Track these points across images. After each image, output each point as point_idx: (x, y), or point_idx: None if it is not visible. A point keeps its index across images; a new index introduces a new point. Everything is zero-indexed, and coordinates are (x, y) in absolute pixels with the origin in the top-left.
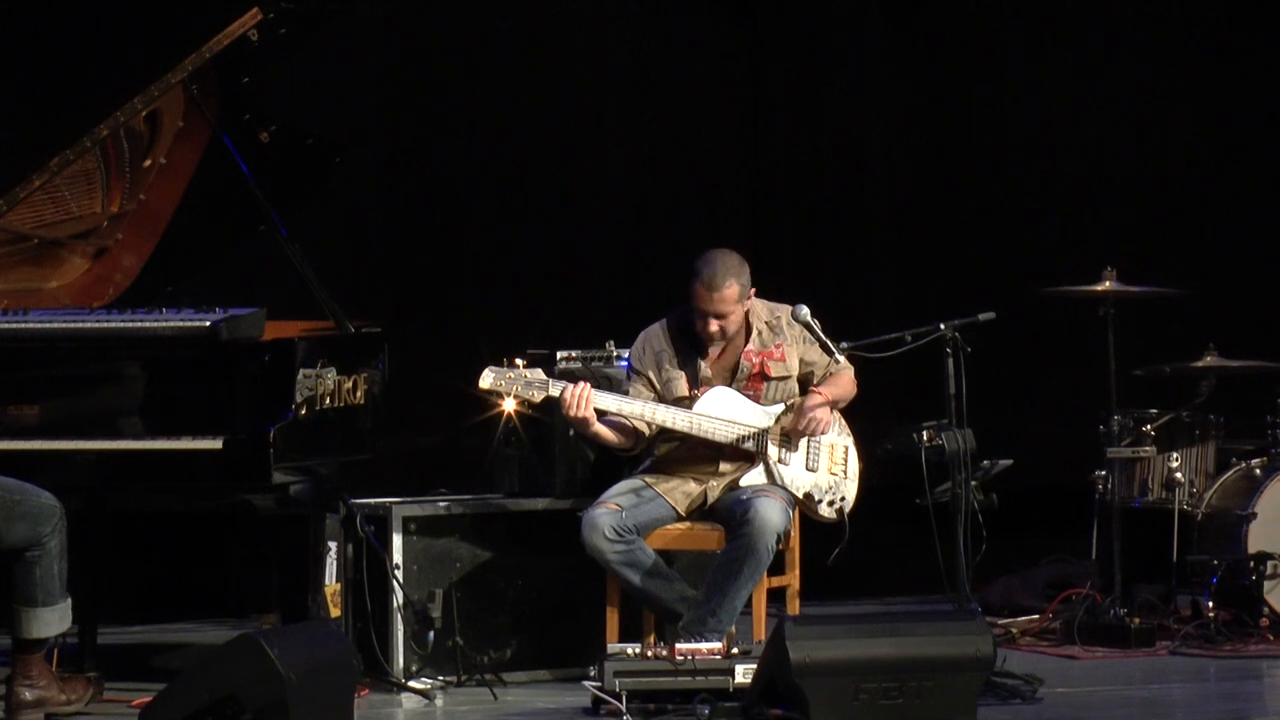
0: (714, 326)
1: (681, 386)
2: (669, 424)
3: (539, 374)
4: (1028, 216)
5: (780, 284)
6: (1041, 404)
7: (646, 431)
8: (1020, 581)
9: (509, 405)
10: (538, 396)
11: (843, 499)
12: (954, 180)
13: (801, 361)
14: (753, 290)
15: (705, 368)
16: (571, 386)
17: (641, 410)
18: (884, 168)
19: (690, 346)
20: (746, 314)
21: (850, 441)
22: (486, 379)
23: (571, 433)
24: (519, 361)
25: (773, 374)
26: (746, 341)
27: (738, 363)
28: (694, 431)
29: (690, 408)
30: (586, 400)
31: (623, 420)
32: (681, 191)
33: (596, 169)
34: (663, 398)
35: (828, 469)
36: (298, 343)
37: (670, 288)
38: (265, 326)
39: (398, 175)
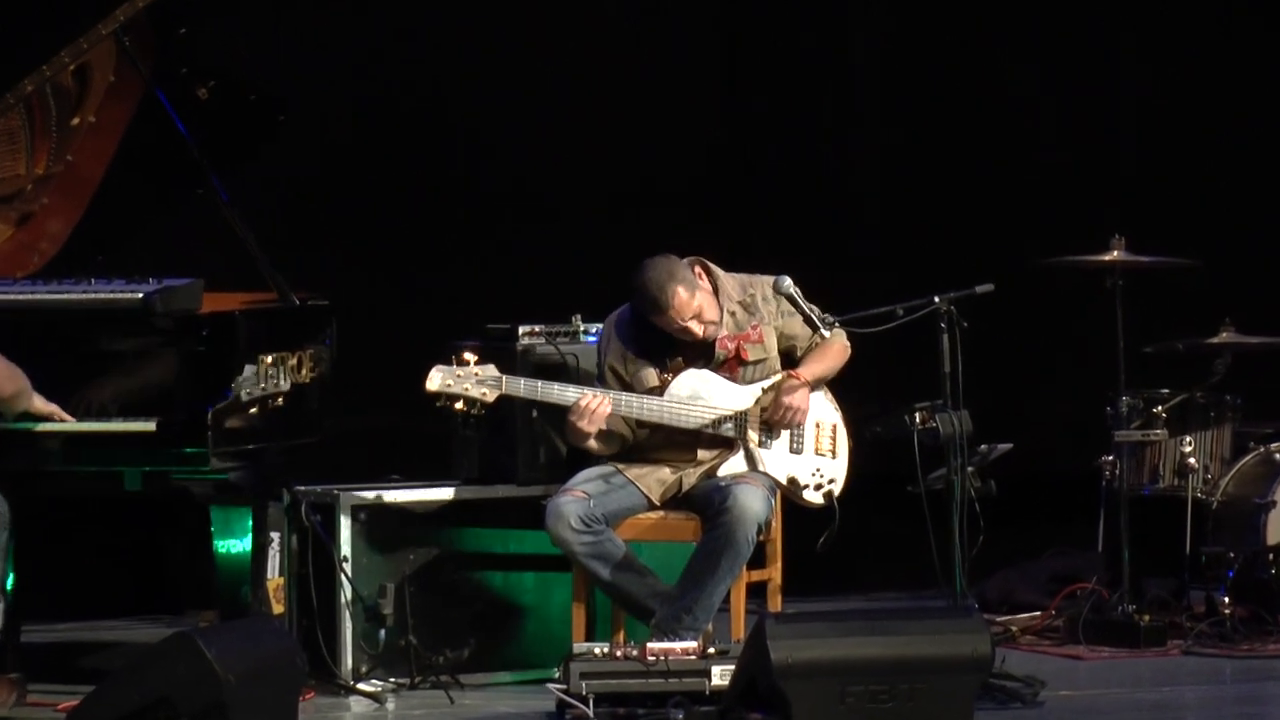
0: (698, 330)
1: (651, 377)
2: (641, 416)
3: (491, 370)
4: (1028, 180)
5: (761, 254)
6: (1044, 383)
7: (631, 436)
8: (1020, 576)
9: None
10: (490, 396)
11: (831, 482)
12: (948, 142)
13: (782, 336)
14: (699, 270)
15: (675, 357)
16: (590, 394)
17: (626, 405)
18: (872, 129)
19: (655, 337)
20: (716, 296)
21: (839, 418)
22: (434, 379)
23: (534, 413)
24: (468, 356)
25: (750, 357)
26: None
27: (712, 350)
28: (666, 421)
29: (661, 395)
30: (604, 414)
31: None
32: (653, 156)
33: (563, 135)
34: (631, 390)
35: (814, 450)
36: (238, 316)
37: (637, 257)
38: (203, 298)
39: (349, 137)
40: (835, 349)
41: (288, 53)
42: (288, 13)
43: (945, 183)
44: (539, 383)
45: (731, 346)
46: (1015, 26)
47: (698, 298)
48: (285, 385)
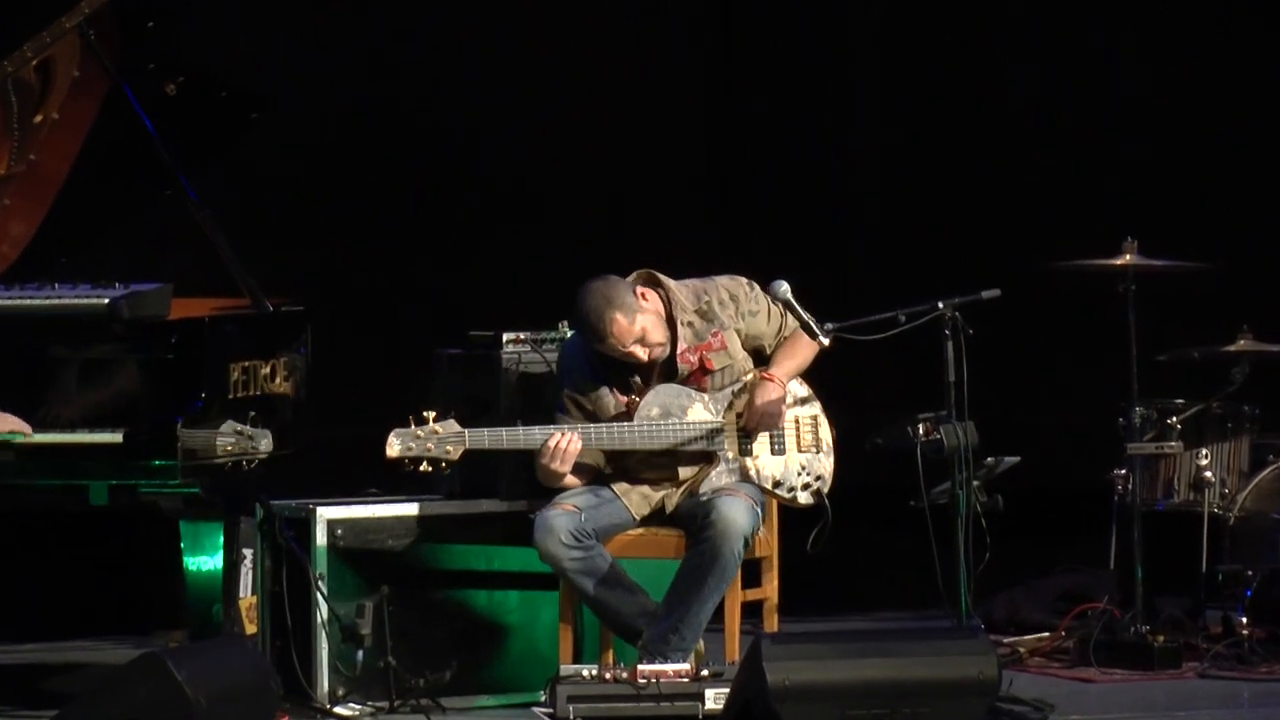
0: (644, 354)
1: (610, 404)
2: (614, 446)
3: (452, 426)
4: (1037, 181)
5: (754, 259)
6: (1053, 393)
7: (604, 464)
8: (1028, 594)
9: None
10: (455, 453)
11: (819, 478)
12: (952, 141)
13: (746, 337)
14: (643, 291)
15: (634, 378)
16: (558, 434)
17: (598, 438)
18: (873, 128)
19: (612, 362)
20: (670, 311)
21: (818, 409)
22: (393, 446)
23: (519, 424)
24: (427, 414)
25: (715, 366)
26: (675, 341)
27: (674, 367)
28: (641, 446)
29: (631, 420)
30: (575, 451)
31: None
32: (641, 156)
33: (552, 134)
34: (596, 419)
35: (796, 447)
36: (208, 323)
37: (631, 261)
38: (172, 304)
39: (328, 136)
40: (803, 341)
41: (265, 51)
42: (270, 11)
43: (949, 184)
44: (504, 431)
45: (694, 359)
46: (1021, 23)
47: (638, 321)
48: (258, 395)
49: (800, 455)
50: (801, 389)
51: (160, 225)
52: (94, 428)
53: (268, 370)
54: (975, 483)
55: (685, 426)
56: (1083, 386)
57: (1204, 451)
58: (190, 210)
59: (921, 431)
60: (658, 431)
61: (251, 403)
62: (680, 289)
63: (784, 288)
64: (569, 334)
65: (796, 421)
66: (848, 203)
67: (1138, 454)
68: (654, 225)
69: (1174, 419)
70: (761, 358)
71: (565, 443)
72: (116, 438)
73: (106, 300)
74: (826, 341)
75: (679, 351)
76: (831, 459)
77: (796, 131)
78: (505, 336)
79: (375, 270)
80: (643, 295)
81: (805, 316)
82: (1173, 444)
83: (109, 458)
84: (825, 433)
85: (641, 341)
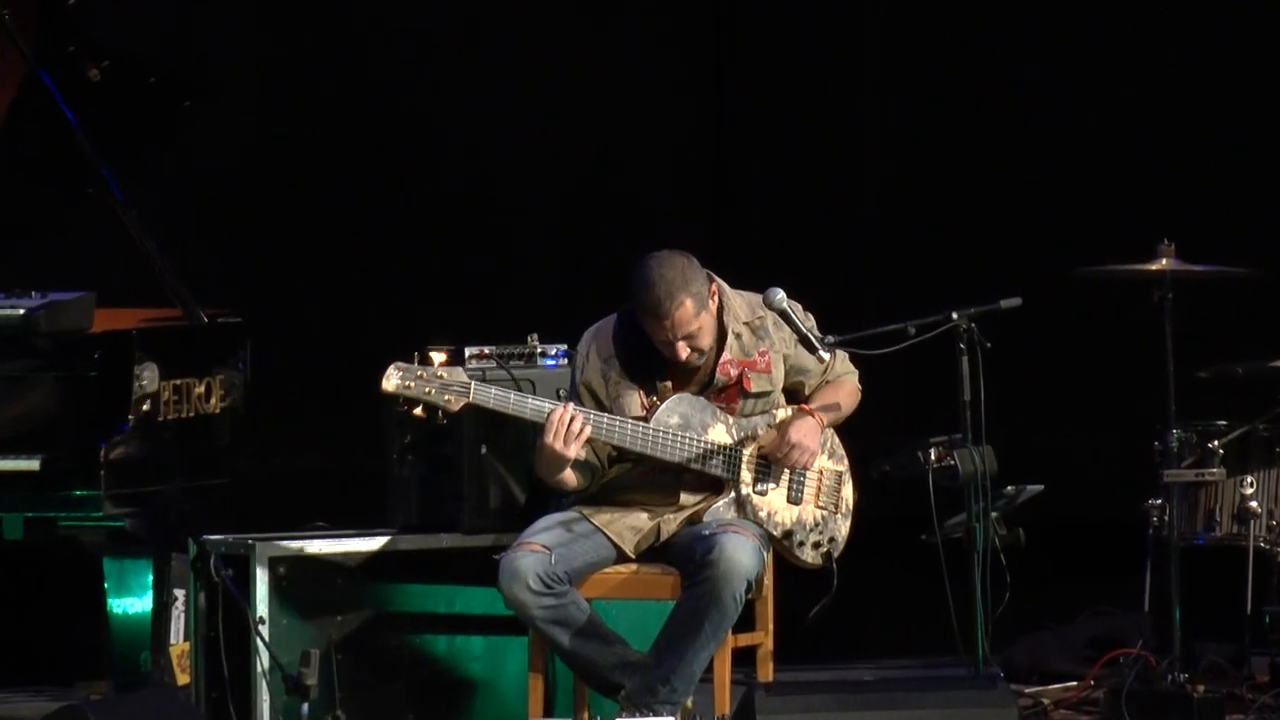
0: (684, 353)
1: (635, 404)
2: (622, 443)
3: (459, 374)
4: (1062, 179)
5: (749, 267)
6: (1080, 414)
7: (604, 468)
8: (1054, 640)
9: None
10: (455, 404)
11: (831, 541)
12: (967, 136)
13: (791, 369)
14: (713, 288)
15: (664, 382)
16: (563, 406)
17: (608, 429)
18: (879, 123)
19: (647, 354)
20: (720, 313)
21: (845, 467)
22: (391, 379)
23: (484, 449)
24: (434, 356)
25: (753, 389)
26: (721, 349)
27: (711, 375)
28: (649, 451)
29: (647, 422)
30: (581, 430)
31: (579, 456)
32: (625, 153)
33: (521, 135)
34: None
35: (814, 502)
36: (135, 336)
37: (612, 270)
38: (95, 316)
39: (274, 131)
40: (848, 389)
41: (201, 34)
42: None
43: (965, 182)
44: (512, 395)
45: (734, 374)
46: (1046, 12)
47: (700, 318)
48: (191, 416)
49: (817, 510)
50: (834, 445)
51: (82, 227)
52: (7, 453)
53: (202, 389)
54: (994, 514)
55: (701, 444)
56: (1114, 407)
57: (1249, 479)
58: (115, 210)
59: (934, 457)
60: (672, 442)
61: (184, 425)
62: (736, 296)
63: (780, 296)
64: (539, 349)
65: (820, 474)
66: (853, 203)
67: (1175, 482)
68: (644, 228)
69: (1215, 443)
70: (795, 400)
71: (572, 422)
72: (33, 465)
73: (22, 311)
74: (827, 356)
75: (721, 361)
76: (848, 524)
77: (799, 127)
78: (468, 351)
79: (322, 278)
80: (712, 293)
81: (804, 329)
82: (1214, 470)
83: (24, 487)
84: (848, 493)
85: (690, 339)
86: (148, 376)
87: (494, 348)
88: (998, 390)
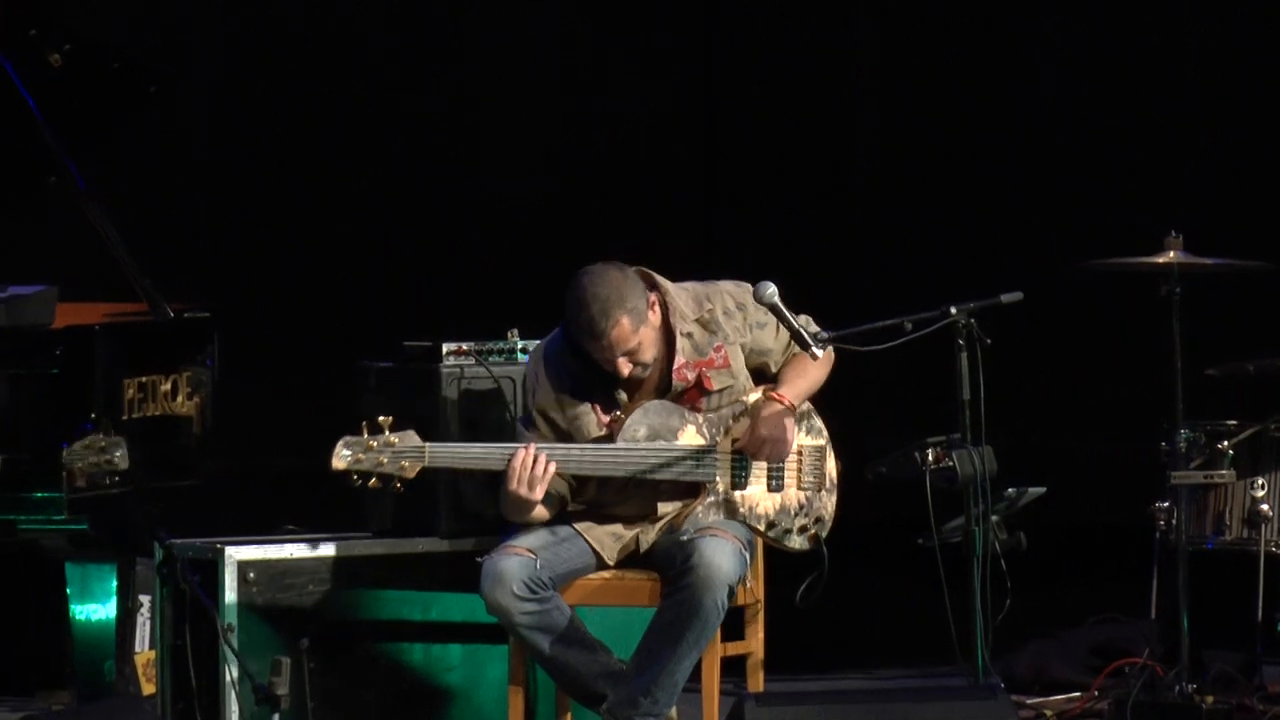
0: (626, 369)
1: (593, 424)
2: (594, 473)
3: (411, 439)
4: (1064, 168)
5: (738, 259)
6: (1083, 413)
7: (569, 494)
8: (1057, 648)
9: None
10: (411, 470)
11: (818, 521)
12: (964, 123)
13: (750, 353)
14: (653, 297)
15: (621, 394)
16: (524, 449)
17: (578, 462)
18: (875, 110)
19: (596, 369)
20: (666, 318)
21: (824, 440)
22: (341, 457)
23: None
24: (382, 420)
25: (714, 386)
26: (672, 353)
27: (668, 383)
28: (623, 473)
29: (613, 441)
30: (545, 470)
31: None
32: (609, 141)
33: (501, 118)
34: (571, 440)
35: (796, 485)
36: (99, 332)
37: (595, 258)
38: (57, 310)
39: (240, 117)
40: (813, 361)
41: (169, 18)
42: None
43: (964, 172)
44: (473, 448)
45: (691, 376)
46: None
47: (640, 333)
48: (157, 415)
49: (799, 492)
50: (812, 417)
51: (44, 219)
52: None
53: (168, 386)
54: (994, 517)
55: (675, 452)
56: (1119, 405)
57: (1260, 481)
58: (77, 200)
59: (931, 458)
60: (644, 457)
61: (150, 424)
62: (679, 293)
63: (770, 290)
64: (520, 345)
65: (799, 452)
66: (847, 193)
67: (1183, 484)
68: (630, 219)
69: (1225, 443)
70: (764, 377)
71: (535, 464)
72: None
73: None
74: (820, 353)
75: (675, 366)
76: (834, 497)
77: (790, 113)
78: (445, 347)
79: (294, 271)
80: (652, 304)
81: (796, 324)
82: (1224, 472)
83: None
84: (830, 467)
85: (631, 355)
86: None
87: (472, 344)
88: (998, 388)
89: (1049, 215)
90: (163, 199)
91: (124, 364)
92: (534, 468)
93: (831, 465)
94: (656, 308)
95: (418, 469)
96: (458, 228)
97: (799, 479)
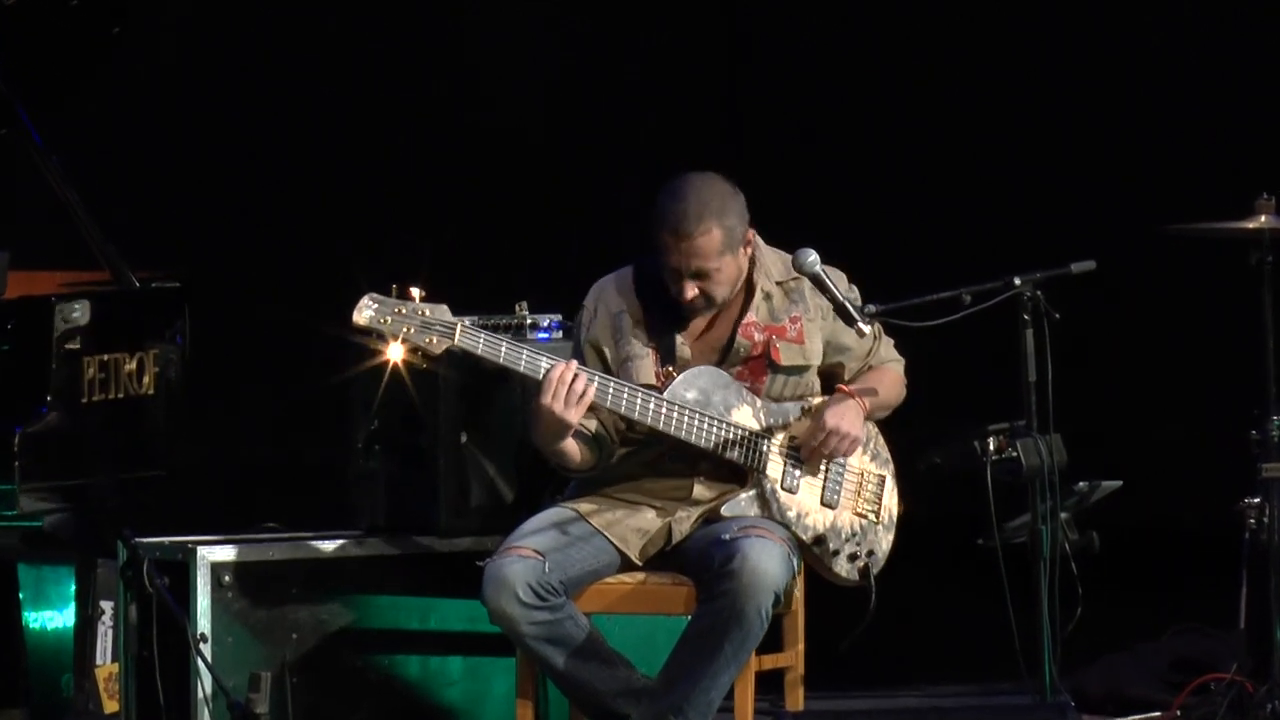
0: (690, 291)
1: (647, 370)
2: (629, 412)
3: (443, 312)
4: (1144, 126)
5: (773, 221)
6: (1164, 398)
7: (614, 443)
8: (1133, 662)
9: (395, 353)
10: (438, 346)
11: (870, 554)
12: (1028, 77)
13: (828, 345)
14: (750, 234)
15: (682, 344)
16: (564, 364)
17: (615, 395)
18: (925, 54)
19: (665, 311)
20: (750, 267)
21: (890, 471)
22: (364, 312)
23: (463, 439)
24: (414, 292)
25: (782, 360)
26: (745, 308)
27: (732, 338)
28: (660, 427)
29: (662, 393)
30: (585, 392)
31: (586, 427)
32: (629, 100)
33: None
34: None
35: (852, 507)
36: (56, 303)
37: (612, 230)
38: (9, 279)
39: (218, 63)
40: (891, 378)
41: None
42: None
43: (1030, 129)
44: (504, 342)
45: (760, 339)
46: None
47: (723, 259)
48: (120, 398)
49: (854, 517)
50: (879, 443)
51: None
52: None
53: (133, 366)
54: (1063, 515)
55: (722, 426)
56: (1203, 389)
57: None
58: (33, 157)
59: (992, 448)
60: (687, 419)
61: (112, 407)
62: (771, 253)
63: (812, 258)
64: (529, 319)
65: (862, 475)
66: (895, 151)
67: (1275, 477)
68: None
69: None
70: (831, 386)
71: (576, 380)
72: None
73: None
74: (868, 329)
75: (743, 322)
76: (890, 537)
77: (826, 60)
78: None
79: (275, 237)
80: (747, 241)
81: (841, 296)
82: None
83: None
84: (891, 502)
85: (703, 277)
86: (78, 310)
87: (478, 317)
88: (1067, 370)
89: (1125, 175)
90: (129, 157)
91: (84, 340)
92: (573, 384)
93: (893, 500)
94: (749, 248)
95: (444, 347)
96: (460, 199)
97: (856, 502)
